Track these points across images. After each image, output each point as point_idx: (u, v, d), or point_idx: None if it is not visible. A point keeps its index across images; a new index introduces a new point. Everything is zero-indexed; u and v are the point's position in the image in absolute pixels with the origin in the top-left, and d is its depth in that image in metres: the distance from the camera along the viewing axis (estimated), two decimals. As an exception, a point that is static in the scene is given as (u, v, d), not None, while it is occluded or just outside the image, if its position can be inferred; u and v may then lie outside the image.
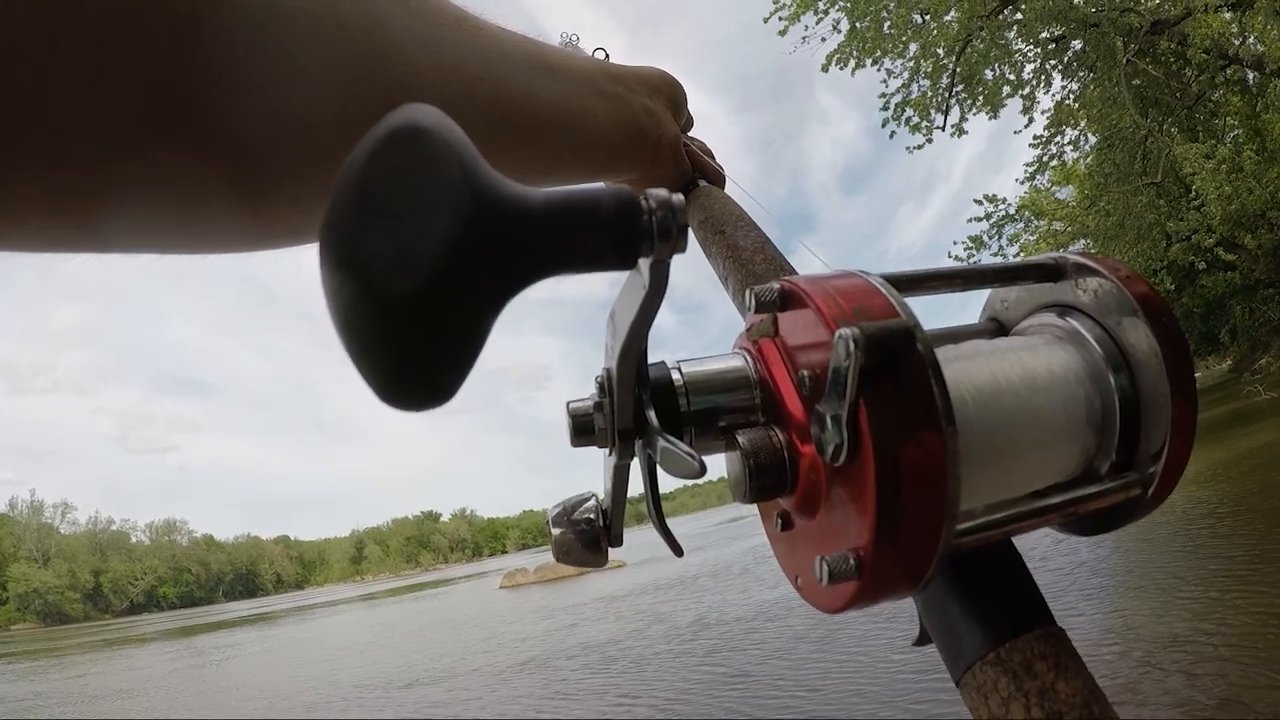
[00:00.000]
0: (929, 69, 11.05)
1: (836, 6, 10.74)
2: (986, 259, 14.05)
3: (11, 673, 18.89)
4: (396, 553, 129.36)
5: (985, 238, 13.81)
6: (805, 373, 0.28)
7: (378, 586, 61.74)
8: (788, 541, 0.32)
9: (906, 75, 11.31)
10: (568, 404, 0.32)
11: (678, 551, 0.35)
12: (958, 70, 10.90)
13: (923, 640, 0.32)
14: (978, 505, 0.30)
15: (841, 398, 0.25)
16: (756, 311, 0.30)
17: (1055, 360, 0.31)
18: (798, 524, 0.31)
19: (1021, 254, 14.66)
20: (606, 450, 0.32)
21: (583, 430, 0.31)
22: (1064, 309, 0.33)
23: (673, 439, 0.29)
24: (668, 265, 0.23)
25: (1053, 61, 11.07)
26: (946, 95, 11.20)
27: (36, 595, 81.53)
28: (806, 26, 10.98)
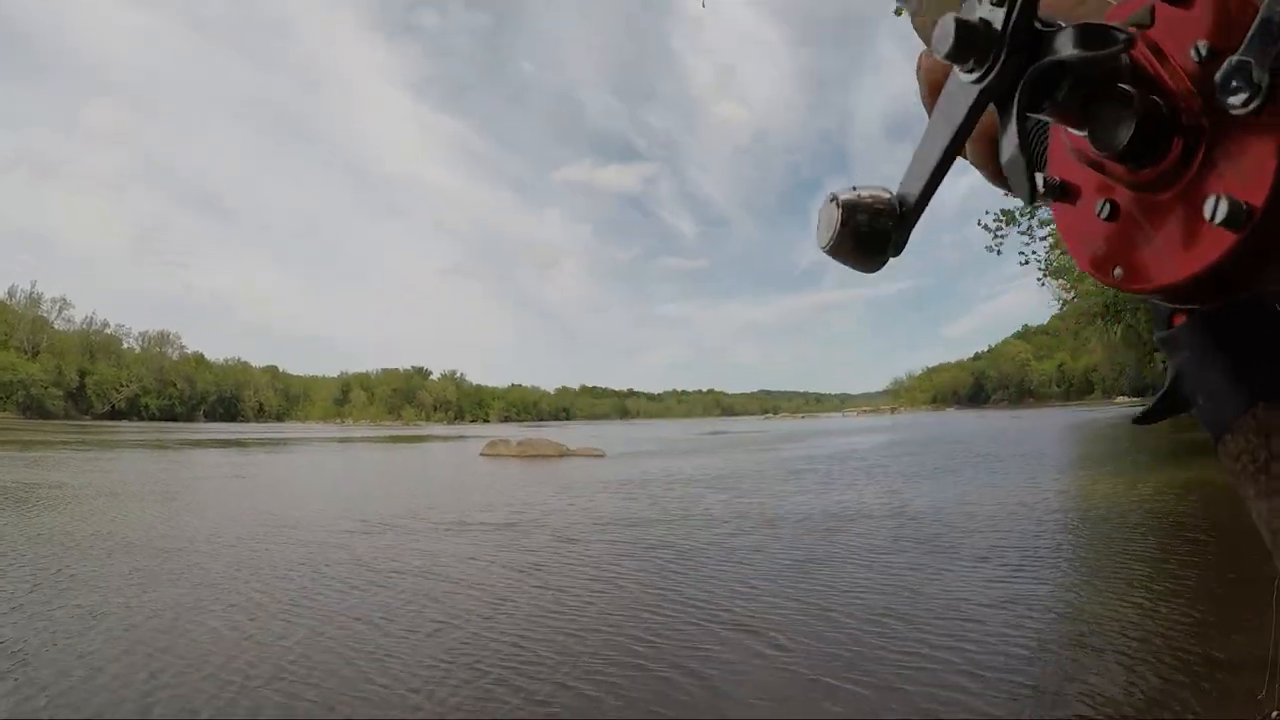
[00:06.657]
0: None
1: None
2: (1014, 234, 13.84)
3: (-10, 453, 19.16)
4: (381, 402, 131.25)
5: (1017, 214, 13.55)
6: (1201, 45, 0.25)
7: (357, 432, 62.46)
8: (1114, 231, 0.30)
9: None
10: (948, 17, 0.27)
11: (1030, 197, 0.30)
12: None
13: (1162, 410, 0.31)
14: None
15: (1272, 42, 0.23)
16: None
17: None
18: (1136, 203, 0.28)
19: (1051, 238, 14.26)
20: (970, 73, 0.28)
21: (971, 41, 0.26)
22: None
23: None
24: None
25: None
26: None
27: (20, 386, 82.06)
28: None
